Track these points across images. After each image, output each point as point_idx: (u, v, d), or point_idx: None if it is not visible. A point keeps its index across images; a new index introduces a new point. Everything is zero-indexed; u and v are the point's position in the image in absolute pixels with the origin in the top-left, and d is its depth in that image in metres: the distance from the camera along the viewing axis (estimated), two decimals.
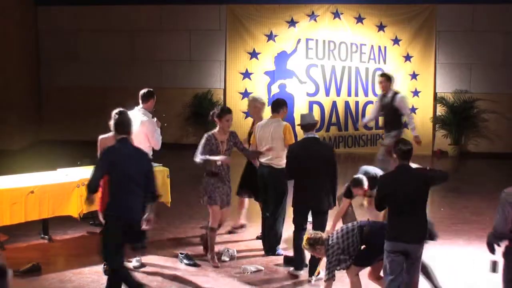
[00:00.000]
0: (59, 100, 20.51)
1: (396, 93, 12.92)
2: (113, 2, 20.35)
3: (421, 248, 7.27)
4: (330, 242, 7.72)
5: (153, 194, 7.59)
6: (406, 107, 12.95)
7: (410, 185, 7.20)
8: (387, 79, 13.00)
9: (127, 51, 20.41)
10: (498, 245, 6.63)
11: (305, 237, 7.96)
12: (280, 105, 10.11)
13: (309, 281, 8.78)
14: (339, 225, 8.75)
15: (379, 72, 17.14)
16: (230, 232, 10.97)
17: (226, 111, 9.39)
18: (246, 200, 11.07)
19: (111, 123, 7.81)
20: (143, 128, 9.88)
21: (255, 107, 10.67)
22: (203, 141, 9.28)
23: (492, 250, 6.66)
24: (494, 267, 6.63)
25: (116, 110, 7.90)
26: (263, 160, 9.91)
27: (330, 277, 7.66)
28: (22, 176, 10.49)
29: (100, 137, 9.53)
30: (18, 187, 9.86)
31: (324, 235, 7.91)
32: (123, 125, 7.73)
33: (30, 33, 20.27)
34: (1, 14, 18.66)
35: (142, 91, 10.30)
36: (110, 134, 8.39)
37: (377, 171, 9.54)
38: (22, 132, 19.23)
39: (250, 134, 10.64)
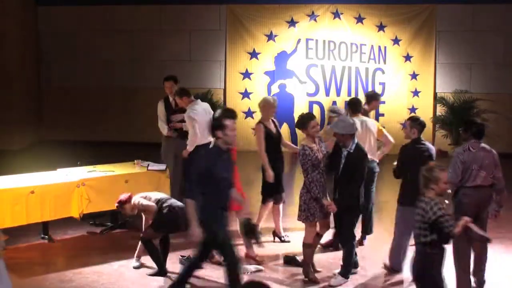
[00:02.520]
0: (59, 100, 20.51)
1: None
2: (113, 2, 20.35)
3: None
4: None
5: None
6: None
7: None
8: None
9: (127, 51, 20.40)
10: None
11: None
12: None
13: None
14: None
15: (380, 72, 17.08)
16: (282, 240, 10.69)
17: None
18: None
19: None
20: None
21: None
22: None
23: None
24: None
25: None
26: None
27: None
28: (22, 176, 10.50)
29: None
30: (18, 187, 9.87)
31: None
32: None
33: (30, 33, 20.27)
34: (1, 14, 18.67)
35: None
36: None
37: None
38: (22, 132, 19.23)
39: None
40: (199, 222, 7.40)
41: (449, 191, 8.08)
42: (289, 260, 9.58)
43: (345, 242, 8.71)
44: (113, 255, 9.65)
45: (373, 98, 11.10)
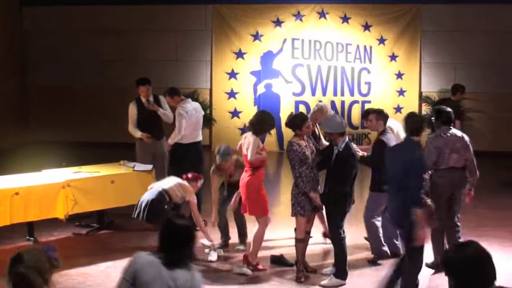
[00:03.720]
0: (45, 101, 20.46)
1: None
2: (99, 2, 20.32)
3: None
4: None
5: None
6: None
7: None
8: None
9: (114, 52, 20.38)
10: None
11: None
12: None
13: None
14: None
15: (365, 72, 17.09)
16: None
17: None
18: None
19: None
20: None
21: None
22: None
23: None
24: None
25: None
26: None
27: None
28: (7, 178, 10.45)
29: None
30: (3, 189, 9.81)
31: None
32: None
33: (15, 33, 20.21)
34: None
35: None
36: None
37: None
38: (7, 133, 19.15)
39: None
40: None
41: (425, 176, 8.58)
42: (276, 260, 9.60)
43: (334, 242, 8.73)
44: (99, 256, 9.64)
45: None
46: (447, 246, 9.43)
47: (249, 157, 8.97)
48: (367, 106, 18.91)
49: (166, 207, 9.48)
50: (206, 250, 9.77)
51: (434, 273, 9.04)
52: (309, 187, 8.59)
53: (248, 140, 9.14)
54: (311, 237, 9.41)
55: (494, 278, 3.85)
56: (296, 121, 8.81)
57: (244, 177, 9.21)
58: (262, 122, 9.20)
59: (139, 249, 9.83)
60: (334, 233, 8.61)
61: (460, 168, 9.04)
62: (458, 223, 9.19)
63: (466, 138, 9.13)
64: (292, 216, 8.88)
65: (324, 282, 8.62)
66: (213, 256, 9.67)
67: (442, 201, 8.92)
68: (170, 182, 9.65)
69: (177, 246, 4.68)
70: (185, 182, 9.67)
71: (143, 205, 9.39)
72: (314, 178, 8.69)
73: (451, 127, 9.09)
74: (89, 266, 9.27)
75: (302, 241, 8.83)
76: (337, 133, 8.51)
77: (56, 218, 10.19)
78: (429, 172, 8.88)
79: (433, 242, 9.17)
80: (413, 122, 8.27)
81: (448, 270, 3.92)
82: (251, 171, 9.11)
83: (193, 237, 4.84)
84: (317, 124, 9.87)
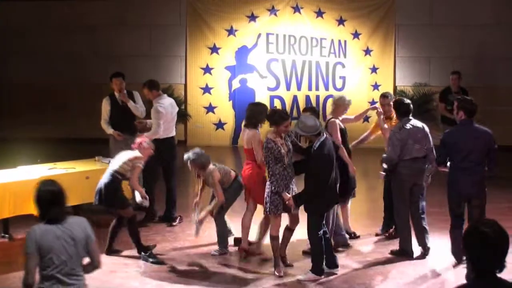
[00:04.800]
0: (19, 97, 20.32)
1: None
2: None
3: None
4: None
5: None
6: None
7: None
8: None
9: (87, 47, 20.27)
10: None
11: None
12: None
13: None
14: None
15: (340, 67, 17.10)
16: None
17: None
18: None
19: None
20: None
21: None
22: None
23: (385, 170, 9.50)
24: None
25: None
26: None
27: None
28: None
29: None
30: None
31: None
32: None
33: None
34: None
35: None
36: None
37: None
38: None
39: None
40: None
41: (385, 165, 9.40)
42: (238, 242, 9.74)
43: (310, 241, 8.70)
44: None
45: None
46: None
47: (258, 160, 9.14)
48: None
49: (118, 187, 9.49)
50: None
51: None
52: (282, 187, 8.54)
53: (247, 136, 9.29)
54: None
55: (505, 256, 4.03)
56: (274, 117, 8.74)
57: (246, 169, 9.37)
58: (258, 113, 9.23)
59: (114, 244, 9.86)
60: (311, 234, 8.59)
61: (421, 158, 9.41)
62: (424, 211, 9.56)
63: (426, 128, 9.59)
64: (265, 213, 8.86)
65: (300, 277, 8.63)
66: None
67: (405, 190, 9.37)
68: (120, 160, 9.52)
69: (52, 205, 5.50)
70: (135, 154, 9.57)
71: (99, 190, 9.43)
72: (288, 177, 8.62)
73: (411, 117, 9.44)
74: None
75: (276, 238, 8.79)
76: (311, 135, 8.51)
77: (31, 214, 10.11)
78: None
79: (402, 230, 9.59)
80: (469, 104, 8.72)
81: (465, 245, 4.08)
82: (252, 164, 9.32)
83: (63, 195, 5.62)
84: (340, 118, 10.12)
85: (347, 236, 9.97)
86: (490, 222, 4.07)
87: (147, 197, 9.78)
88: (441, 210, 11.56)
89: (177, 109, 11.74)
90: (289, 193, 8.54)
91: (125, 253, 9.64)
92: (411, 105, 9.64)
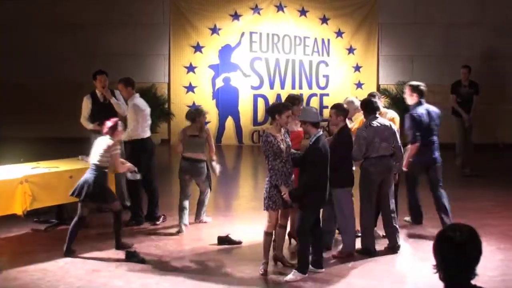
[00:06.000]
0: (2, 96, 20.17)
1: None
2: None
3: None
4: None
5: None
6: None
7: None
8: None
9: (71, 46, 20.18)
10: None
11: None
12: None
13: None
14: None
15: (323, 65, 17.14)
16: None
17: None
18: None
19: None
20: None
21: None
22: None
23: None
24: None
25: None
26: None
27: None
28: None
29: None
30: None
31: None
32: None
33: None
34: None
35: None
36: None
37: None
38: None
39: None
40: None
41: (354, 168, 9.47)
42: (223, 240, 9.84)
43: (299, 237, 8.69)
44: (59, 252, 9.53)
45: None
46: (380, 233, 10.03)
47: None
48: (325, 99, 19.07)
49: (104, 181, 9.56)
50: None
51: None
52: (280, 181, 8.51)
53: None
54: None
55: (475, 264, 3.81)
56: (278, 108, 8.71)
57: None
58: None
59: (98, 244, 9.86)
60: (301, 228, 8.57)
61: (388, 156, 9.49)
62: (394, 209, 9.65)
63: (394, 126, 9.64)
64: (264, 210, 8.74)
65: (287, 277, 8.59)
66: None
67: (374, 187, 9.46)
68: (96, 153, 9.52)
69: None
70: (107, 142, 9.51)
71: (85, 185, 9.39)
72: (287, 172, 8.59)
73: (377, 116, 9.51)
74: (48, 262, 9.16)
75: (270, 234, 8.74)
76: (310, 122, 8.47)
77: (14, 214, 10.07)
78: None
79: (366, 228, 9.56)
80: None
81: (435, 249, 3.87)
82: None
83: None
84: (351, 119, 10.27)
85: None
86: (459, 226, 3.85)
87: (136, 168, 10.00)
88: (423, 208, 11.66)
89: (149, 109, 11.64)
90: (287, 188, 8.51)
91: (109, 252, 9.61)
92: (378, 103, 9.74)
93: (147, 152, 11.25)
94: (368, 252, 9.38)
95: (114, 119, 9.82)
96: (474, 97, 15.59)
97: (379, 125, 9.42)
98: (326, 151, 8.47)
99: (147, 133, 11.35)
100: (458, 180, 14.86)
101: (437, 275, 3.86)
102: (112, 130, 9.56)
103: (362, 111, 9.84)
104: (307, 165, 8.47)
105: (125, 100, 11.62)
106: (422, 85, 10.58)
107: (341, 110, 9.30)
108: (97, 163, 9.46)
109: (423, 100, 10.52)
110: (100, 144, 9.57)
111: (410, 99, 10.63)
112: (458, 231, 3.79)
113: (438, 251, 3.83)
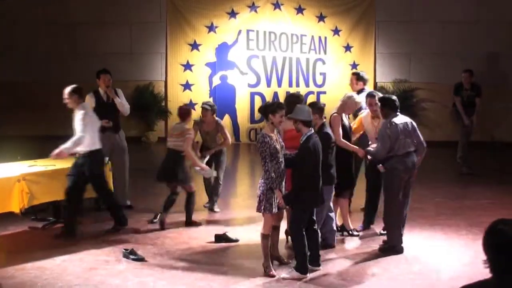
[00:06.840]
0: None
1: None
2: None
3: None
4: None
5: None
6: None
7: None
8: None
9: (68, 45, 20.16)
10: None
11: None
12: None
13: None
14: None
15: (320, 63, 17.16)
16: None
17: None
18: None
19: None
20: None
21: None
22: None
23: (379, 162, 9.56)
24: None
25: None
26: None
27: None
28: None
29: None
30: None
31: None
32: None
33: None
34: None
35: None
36: None
37: None
38: None
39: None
40: None
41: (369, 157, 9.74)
42: (220, 238, 9.87)
43: (294, 238, 8.67)
44: (56, 250, 9.53)
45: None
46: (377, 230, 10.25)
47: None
48: (322, 97, 19.08)
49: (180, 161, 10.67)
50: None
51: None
52: (276, 184, 8.46)
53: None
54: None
55: None
56: (273, 107, 8.65)
57: None
58: (287, 104, 9.10)
59: (95, 242, 9.85)
60: (295, 229, 8.54)
61: (412, 152, 9.44)
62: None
63: (413, 122, 9.61)
64: (257, 212, 8.59)
65: (284, 275, 8.58)
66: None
67: (400, 186, 9.32)
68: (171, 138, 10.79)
69: None
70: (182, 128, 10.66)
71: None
72: (282, 174, 8.54)
73: (398, 113, 9.44)
74: (45, 260, 9.16)
75: (267, 237, 8.68)
76: (302, 120, 8.44)
77: (11, 212, 10.06)
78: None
79: (393, 226, 9.46)
80: None
81: (486, 242, 3.83)
82: None
83: None
84: (348, 116, 10.44)
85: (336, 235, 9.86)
86: (509, 221, 3.80)
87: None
88: (421, 206, 11.68)
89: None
90: (281, 191, 8.46)
91: (106, 250, 9.61)
92: (398, 101, 9.63)
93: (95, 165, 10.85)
94: (395, 250, 9.35)
95: (186, 107, 11.09)
96: (477, 100, 15.48)
97: (401, 122, 9.41)
98: (316, 150, 8.40)
99: (99, 144, 10.67)
100: (456, 178, 14.89)
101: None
102: (186, 116, 10.66)
103: (369, 107, 10.24)
104: (297, 164, 8.45)
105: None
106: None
107: (316, 108, 9.23)
108: (170, 146, 10.70)
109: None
110: (175, 128, 10.76)
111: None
112: (509, 225, 3.77)
113: (489, 245, 3.79)
